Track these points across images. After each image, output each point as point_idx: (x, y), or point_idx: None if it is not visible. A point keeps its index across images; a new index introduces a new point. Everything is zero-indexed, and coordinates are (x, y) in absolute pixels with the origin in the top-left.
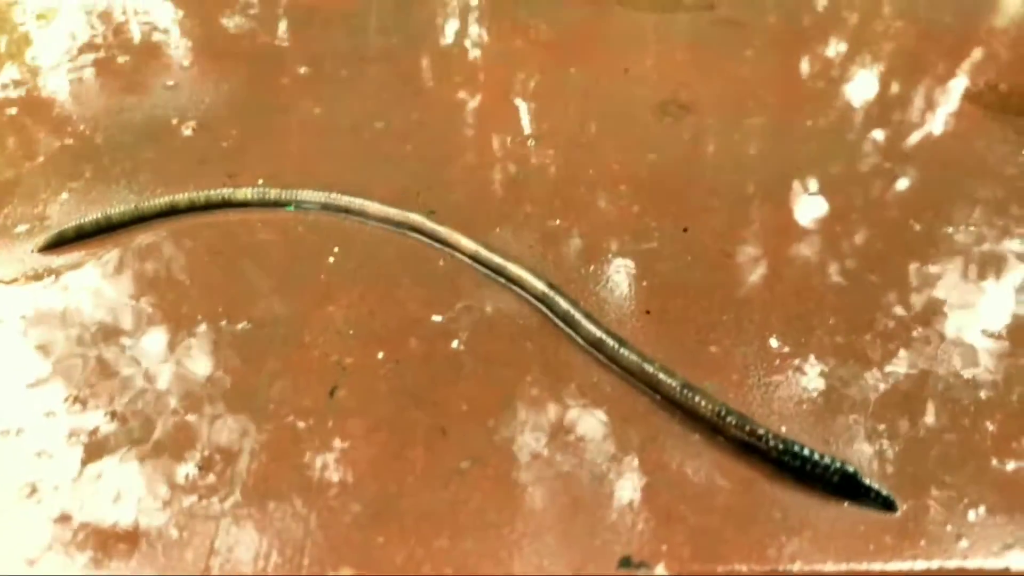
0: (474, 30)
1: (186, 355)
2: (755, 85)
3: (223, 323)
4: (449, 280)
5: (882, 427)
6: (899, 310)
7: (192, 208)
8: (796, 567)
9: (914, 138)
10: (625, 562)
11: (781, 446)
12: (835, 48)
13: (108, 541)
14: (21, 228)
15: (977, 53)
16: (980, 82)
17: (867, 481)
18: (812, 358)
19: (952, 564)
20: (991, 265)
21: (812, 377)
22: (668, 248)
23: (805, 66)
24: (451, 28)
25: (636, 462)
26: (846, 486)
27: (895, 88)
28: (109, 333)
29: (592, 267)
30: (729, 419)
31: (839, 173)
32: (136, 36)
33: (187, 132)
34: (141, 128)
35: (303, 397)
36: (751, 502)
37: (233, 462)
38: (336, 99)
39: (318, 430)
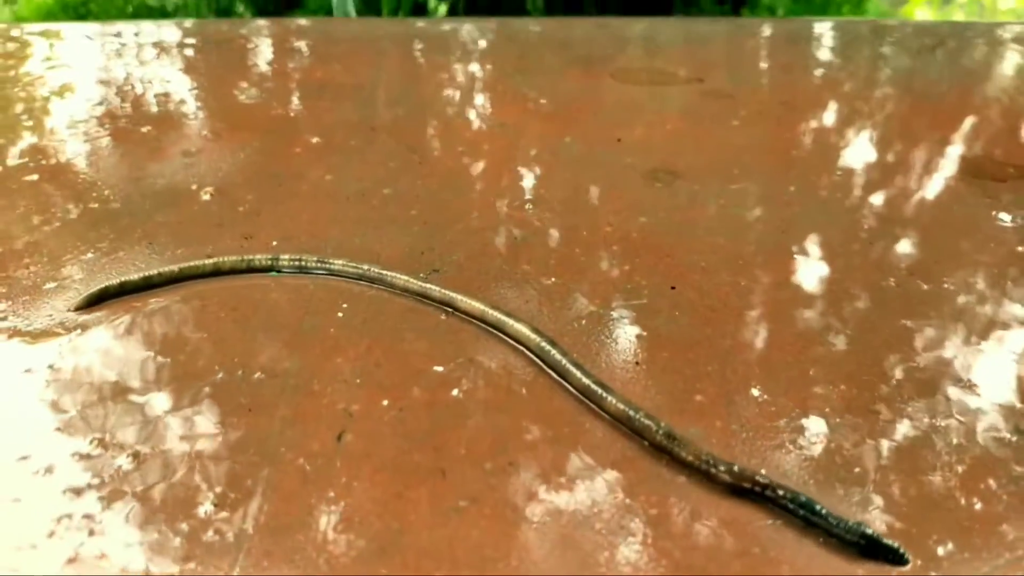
0: (476, 102)
1: (203, 403)
2: (741, 152)
3: (239, 373)
4: (451, 334)
5: (857, 470)
6: (872, 362)
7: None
8: None
9: (892, 201)
10: None
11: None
12: (817, 117)
13: (130, 573)
14: (50, 285)
15: (955, 120)
16: (958, 148)
17: (886, 542)
18: (791, 406)
19: None
20: (965, 314)
21: (791, 423)
22: (657, 304)
23: (788, 135)
24: (454, 100)
25: (625, 502)
26: (866, 546)
27: (873, 154)
28: (131, 382)
29: (585, 321)
30: (702, 461)
31: (819, 235)
32: (157, 108)
33: (205, 197)
34: (161, 193)
35: (312, 441)
36: (733, 539)
37: (247, 501)
38: (346, 167)
39: (326, 472)
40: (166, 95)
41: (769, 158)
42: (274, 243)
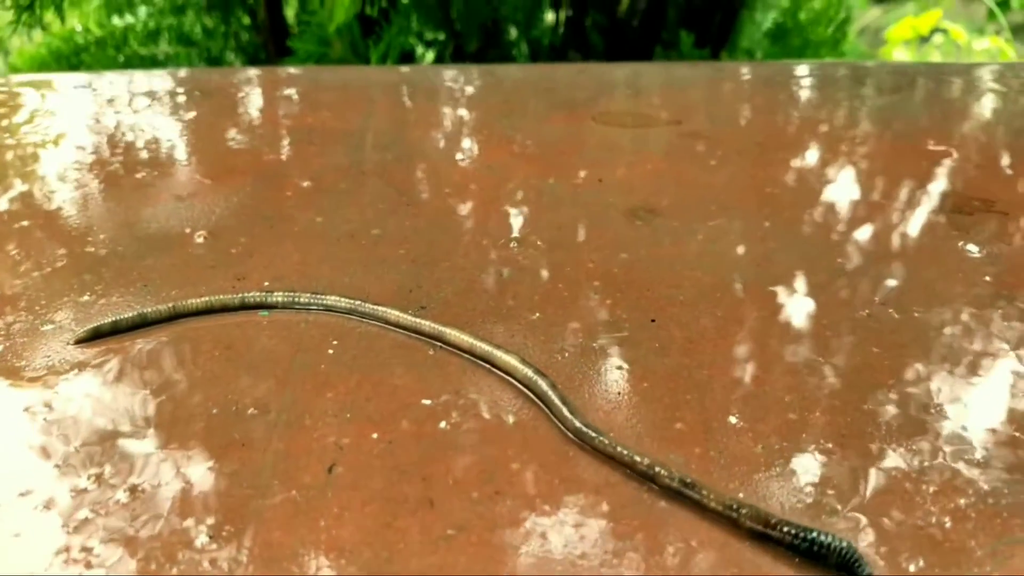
0: (462, 145)
1: (198, 438)
2: (718, 191)
3: (232, 409)
4: (438, 368)
5: (831, 492)
6: (845, 390)
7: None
8: None
9: (863, 235)
10: None
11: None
12: (791, 157)
13: None
14: (48, 327)
15: (924, 157)
16: (927, 184)
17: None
18: (767, 432)
19: None
20: (935, 342)
21: (767, 448)
22: (638, 336)
23: (763, 173)
24: (441, 144)
25: (609, 527)
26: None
27: (845, 190)
28: (128, 418)
29: (568, 354)
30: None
31: (794, 269)
32: (149, 154)
33: (199, 240)
34: (156, 237)
35: (304, 474)
36: (714, 561)
37: (241, 532)
38: (336, 209)
39: (318, 503)
40: (158, 142)
41: (745, 196)
42: (266, 284)
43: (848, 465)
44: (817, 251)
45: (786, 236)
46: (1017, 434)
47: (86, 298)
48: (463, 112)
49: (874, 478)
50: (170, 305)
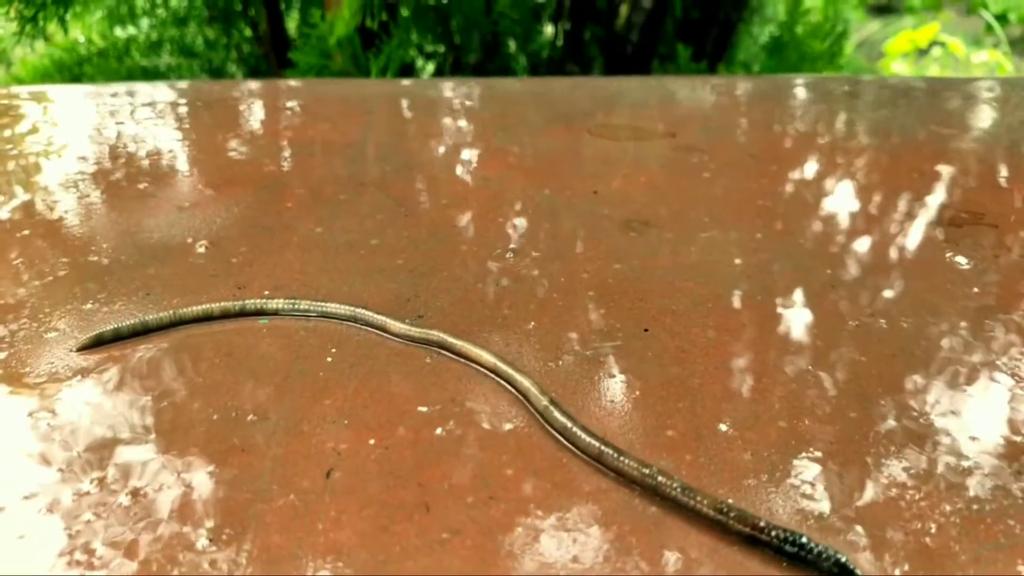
0: (460, 157)
1: (199, 443)
2: (711, 203)
3: (232, 415)
4: (435, 376)
5: (819, 498)
6: (834, 398)
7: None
8: None
9: (853, 246)
10: None
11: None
12: (784, 169)
13: None
14: (51, 335)
15: (914, 170)
16: (917, 196)
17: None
18: (756, 439)
19: None
20: (923, 351)
21: (756, 456)
22: (631, 345)
23: (756, 185)
24: (440, 156)
25: (601, 532)
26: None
27: (836, 202)
28: (130, 423)
29: (562, 362)
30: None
31: (784, 279)
32: (151, 165)
33: (200, 250)
34: (158, 246)
35: (302, 479)
36: (704, 564)
37: (241, 536)
38: (335, 219)
39: (316, 507)
40: (160, 153)
41: (738, 208)
42: (266, 292)
43: (836, 472)
44: (808, 262)
45: (778, 247)
46: (1000, 442)
47: (89, 306)
48: (461, 124)
49: (861, 484)
50: (171, 312)
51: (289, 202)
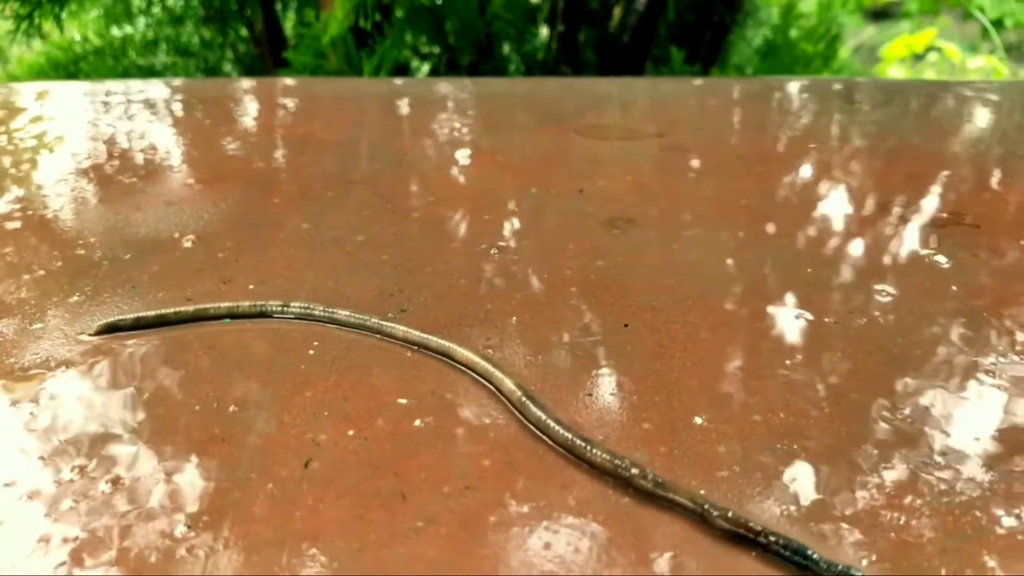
0: (448, 156)
1: (179, 433)
2: (696, 202)
3: (214, 406)
4: (416, 369)
5: (789, 489)
6: (808, 393)
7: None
8: None
9: (834, 245)
10: None
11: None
12: (769, 170)
13: None
14: (37, 326)
15: (896, 171)
16: (898, 197)
17: None
18: (731, 432)
19: None
20: (899, 347)
21: (729, 449)
22: (610, 341)
23: (740, 185)
24: (428, 154)
25: (574, 521)
26: None
27: (818, 202)
28: (112, 414)
29: (543, 357)
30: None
31: (765, 278)
32: (143, 160)
33: (187, 244)
34: (145, 241)
35: (281, 468)
36: (679, 555)
37: (219, 522)
38: (322, 216)
39: (293, 496)
40: (152, 149)
41: (722, 207)
42: (251, 287)
43: (808, 464)
44: (788, 261)
45: (759, 247)
46: (970, 435)
47: (75, 299)
48: (451, 123)
49: (831, 476)
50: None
51: (277, 198)
